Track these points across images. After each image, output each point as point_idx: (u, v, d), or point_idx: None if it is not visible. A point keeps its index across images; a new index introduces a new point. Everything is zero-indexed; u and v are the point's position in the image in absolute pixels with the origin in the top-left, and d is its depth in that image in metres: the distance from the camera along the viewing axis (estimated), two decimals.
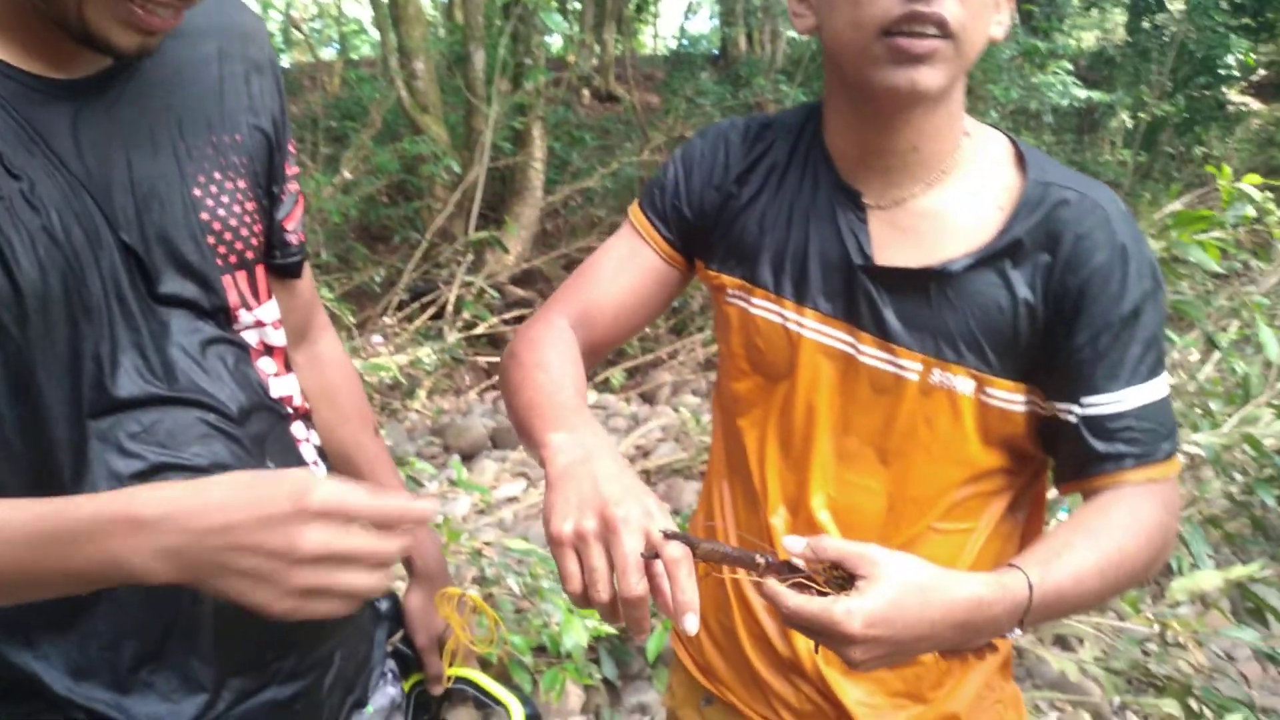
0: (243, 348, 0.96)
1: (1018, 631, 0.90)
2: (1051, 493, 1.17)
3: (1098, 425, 0.97)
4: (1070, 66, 9.38)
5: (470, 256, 6.06)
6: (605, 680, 2.61)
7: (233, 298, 0.94)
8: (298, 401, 1.03)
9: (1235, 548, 3.44)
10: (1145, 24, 11.57)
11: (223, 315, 0.93)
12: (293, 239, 1.06)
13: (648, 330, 5.66)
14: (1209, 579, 2.47)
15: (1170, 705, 2.34)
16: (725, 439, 1.20)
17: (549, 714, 2.49)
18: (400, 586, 1.25)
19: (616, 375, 5.40)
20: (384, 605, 1.19)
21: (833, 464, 1.07)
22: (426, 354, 4.99)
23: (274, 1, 11.65)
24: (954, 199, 1.02)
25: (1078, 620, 2.84)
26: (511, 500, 3.70)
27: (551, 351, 1.06)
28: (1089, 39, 14.34)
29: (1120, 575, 0.92)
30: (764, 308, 1.09)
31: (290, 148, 1.04)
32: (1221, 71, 10.51)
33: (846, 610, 0.78)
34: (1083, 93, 9.14)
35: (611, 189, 7.79)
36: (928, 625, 0.81)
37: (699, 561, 0.80)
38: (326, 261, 6.03)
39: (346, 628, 1.04)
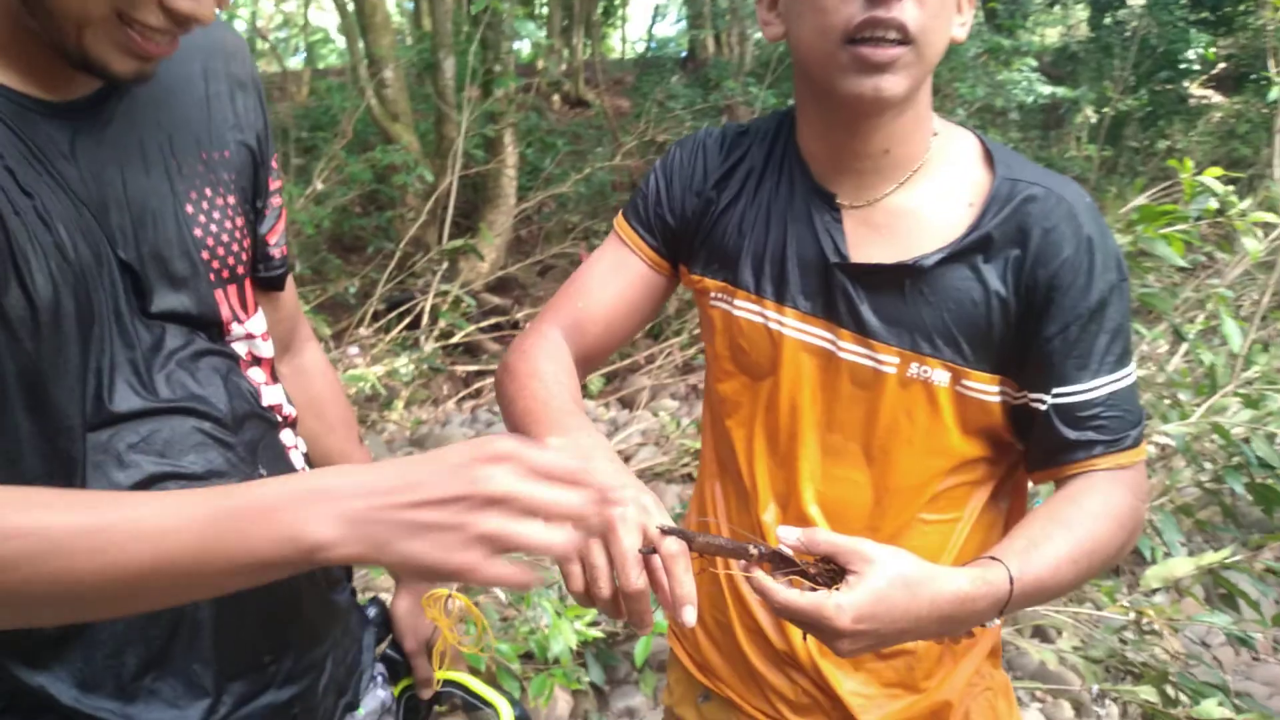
0: (233, 359, 0.98)
1: (997, 620, 0.94)
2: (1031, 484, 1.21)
3: (1068, 414, 1.01)
4: (1035, 63, 9.50)
5: (445, 265, 6.06)
6: (593, 685, 2.63)
7: (225, 311, 0.96)
8: (286, 410, 1.05)
9: (1207, 535, 3.50)
10: (1107, 20, 11.73)
11: (215, 329, 0.95)
12: (276, 252, 1.08)
13: None
14: (1182, 566, 2.52)
15: (1148, 692, 2.39)
16: (715, 440, 1.22)
17: (538, 719, 2.50)
18: (386, 598, 1.27)
19: (595, 381, 5.41)
20: (371, 611, 1.21)
21: (819, 459, 1.10)
22: (403, 364, 4.98)
23: (239, 11, 11.58)
24: (925, 197, 1.05)
25: (1056, 611, 2.89)
26: None
27: (545, 361, 1.08)
28: (1052, 35, 14.51)
29: (1094, 561, 0.96)
30: (746, 309, 1.12)
31: (273, 163, 1.06)
32: (1182, 66, 10.68)
33: (837, 606, 0.81)
34: (1047, 89, 9.25)
35: (585, 194, 7.81)
36: (913, 619, 0.84)
37: (695, 555, 0.82)
38: (301, 274, 6.00)
39: (336, 631, 1.06)
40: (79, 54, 0.78)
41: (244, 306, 0.99)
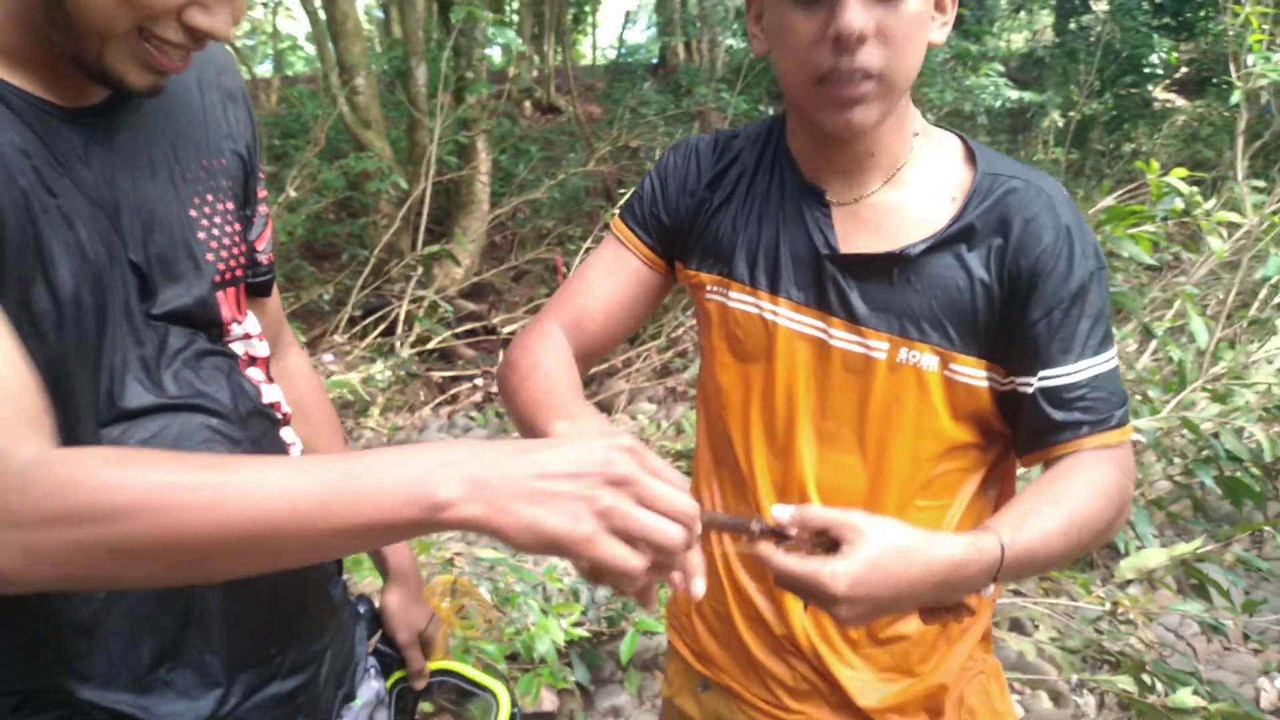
0: (233, 358, 1.00)
1: (991, 588, 0.97)
2: (1020, 472, 1.24)
3: (1054, 396, 1.04)
4: (1001, 68, 9.62)
5: (420, 271, 6.05)
6: (578, 685, 2.64)
7: (225, 313, 0.99)
8: (284, 408, 1.07)
9: (1178, 528, 3.57)
10: (1072, 25, 11.90)
11: (215, 329, 0.98)
12: (263, 259, 1.11)
13: None
14: (1154, 557, 2.57)
15: (1125, 681, 2.43)
16: (710, 436, 1.26)
17: None
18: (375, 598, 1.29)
19: None
20: (362, 608, 1.23)
21: (815, 447, 1.13)
22: (379, 370, 4.97)
23: None
24: (910, 193, 1.10)
25: (1033, 603, 2.93)
26: None
27: (547, 354, 1.12)
28: (1018, 41, 14.68)
29: (1084, 535, 0.99)
30: (741, 300, 1.16)
31: (260, 173, 1.10)
32: (1146, 70, 10.85)
33: (833, 572, 0.84)
34: (1014, 94, 9.37)
35: (559, 200, 7.81)
36: (908, 585, 0.88)
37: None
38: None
39: (334, 624, 1.09)
40: (98, 66, 0.81)
41: (239, 309, 1.03)
